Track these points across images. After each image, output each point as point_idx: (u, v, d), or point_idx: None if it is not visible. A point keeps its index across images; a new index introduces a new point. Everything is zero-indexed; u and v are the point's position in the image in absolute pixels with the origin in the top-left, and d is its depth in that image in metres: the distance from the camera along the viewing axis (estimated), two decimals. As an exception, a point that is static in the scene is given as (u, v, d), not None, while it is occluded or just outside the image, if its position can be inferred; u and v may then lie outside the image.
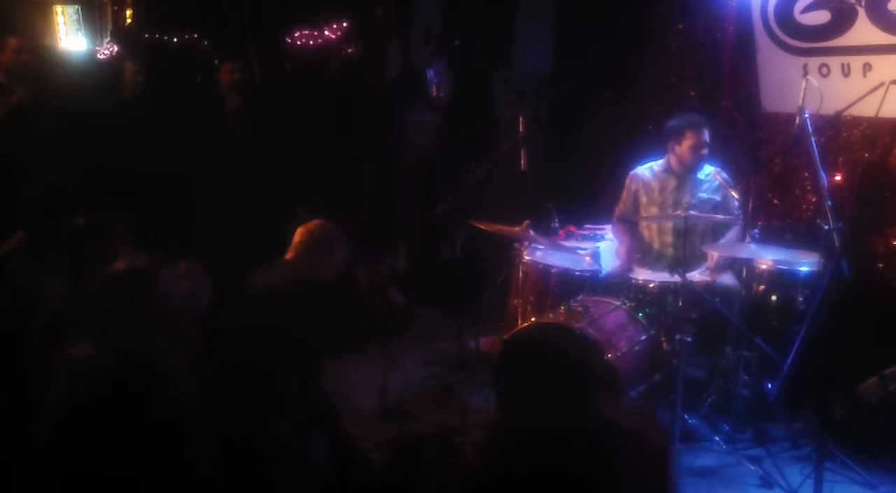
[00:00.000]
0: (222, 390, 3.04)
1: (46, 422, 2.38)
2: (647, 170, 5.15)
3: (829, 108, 4.38)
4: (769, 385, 4.44)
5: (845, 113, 4.46)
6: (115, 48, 8.17)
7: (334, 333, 3.82)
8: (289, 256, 3.93)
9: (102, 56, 8.12)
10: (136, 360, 2.47)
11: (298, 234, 3.95)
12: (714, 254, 4.73)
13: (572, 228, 5.52)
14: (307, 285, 3.73)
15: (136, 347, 2.50)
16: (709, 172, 4.92)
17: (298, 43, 7.72)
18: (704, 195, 4.96)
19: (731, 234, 4.96)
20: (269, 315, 3.51)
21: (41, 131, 4.94)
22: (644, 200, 5.13)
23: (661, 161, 5.10)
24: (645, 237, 5.20)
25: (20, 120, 4.79)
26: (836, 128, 4.92)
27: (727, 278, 4.72)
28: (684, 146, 4.89)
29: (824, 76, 4.95)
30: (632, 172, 5.21)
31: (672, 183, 5.04)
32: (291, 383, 3.47)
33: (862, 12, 4.79)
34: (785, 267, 4.39)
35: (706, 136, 4.88)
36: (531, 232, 4.87)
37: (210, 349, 2.94)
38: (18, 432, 2.60)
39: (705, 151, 4.90)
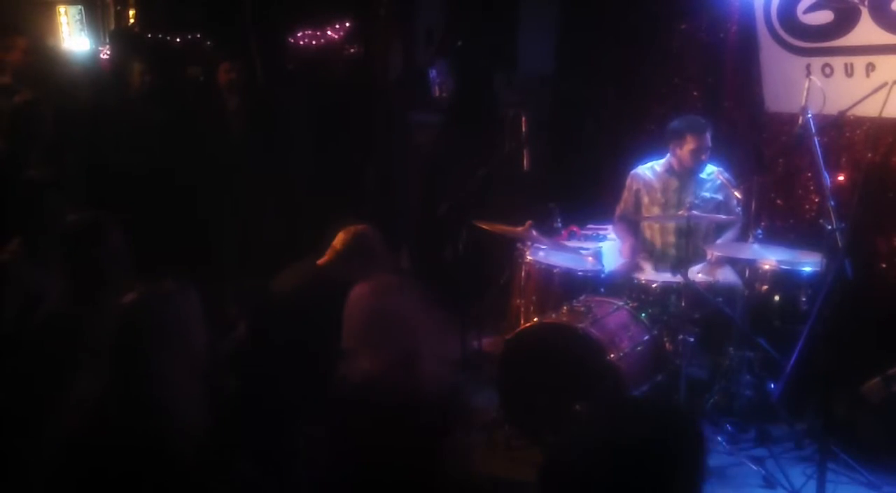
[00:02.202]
0: (242, 393, 2.97)
1: (47, 460, 2.23)
2: (649, 170, 5.14)
3: (833, 108, 4.37)
4: (772, 386, 4.44)
5: (848, 113, 4.44)
6: (111, 49, 8.16)
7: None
8: (325, 259, 3.77)
9: (105, 56, 8.12)
10: (146, 401, 2.24)
11: (339, 237, 3.78)
12: (713, 253, 4.72)
13: (575, 229, 5.50)
14: (339, 290, 3.61)
15: (148, 383, 2.27)
16: (711, 172, 4.91)
17: (301, 43, 7.73)
18: (707, 195, 4.96)
19: (730, 233, 4.95)
20: (295, 319, 3.42)
21: (46, 131, 4.94)
22: (646, 200, 5.13)
23: (662, 161, 5.09)
24: (647, 237, 5.19)
25: (26, 120, 4.79)
26: (839, 128, 4.90)
27: (727, 274, 4.70)
28: (685, 150, 4.88)
29: (827, 76, 4.93)
30: (633, 172, 5.20)
31: (674, 183, 5.03)
32: (308, 384, 3.43)
33: (865, 12, 4.78)
34: (788, 267, 4.39)
35: (707, 140, 4.86)
36: (534, 232, 4.85)
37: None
38: (18, 432, 2.59)
39: (705, 156, 4.90)
